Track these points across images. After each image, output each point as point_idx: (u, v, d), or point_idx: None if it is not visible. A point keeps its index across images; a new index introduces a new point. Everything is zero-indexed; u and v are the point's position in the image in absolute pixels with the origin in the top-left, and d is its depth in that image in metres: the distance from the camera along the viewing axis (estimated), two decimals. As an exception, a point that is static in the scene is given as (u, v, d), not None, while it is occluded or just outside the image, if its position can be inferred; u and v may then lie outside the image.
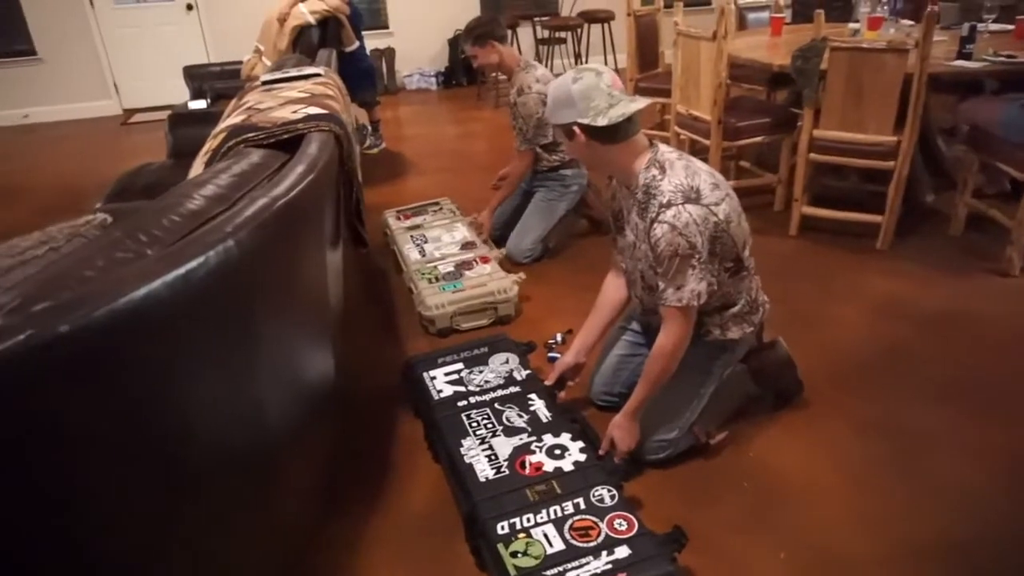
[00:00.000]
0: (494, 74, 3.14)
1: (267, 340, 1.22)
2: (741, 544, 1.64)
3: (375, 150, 4.87)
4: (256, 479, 1.28)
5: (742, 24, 4.50)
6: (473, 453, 1.75)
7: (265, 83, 2.10)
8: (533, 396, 1.98)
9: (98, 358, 0.86)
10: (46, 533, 0.86)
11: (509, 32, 6.30)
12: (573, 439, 1.81)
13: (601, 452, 1.77)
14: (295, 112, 1.66)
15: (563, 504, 1.59)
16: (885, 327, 2.48)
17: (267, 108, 1.73)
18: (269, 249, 1.17)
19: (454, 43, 6.86)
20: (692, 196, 1.60)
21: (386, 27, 6.74)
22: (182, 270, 0.96)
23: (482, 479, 1.67)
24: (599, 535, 1.50)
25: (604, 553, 1.46)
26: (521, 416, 1.90)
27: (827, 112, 2.92)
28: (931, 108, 3.53)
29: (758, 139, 3.34)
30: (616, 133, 1.63)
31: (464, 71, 6.94)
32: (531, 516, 1.56)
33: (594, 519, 1.55)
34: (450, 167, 4.57)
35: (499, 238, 3.16)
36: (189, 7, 6.26)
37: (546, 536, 1.51)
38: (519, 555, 1.47)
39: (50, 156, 5.40)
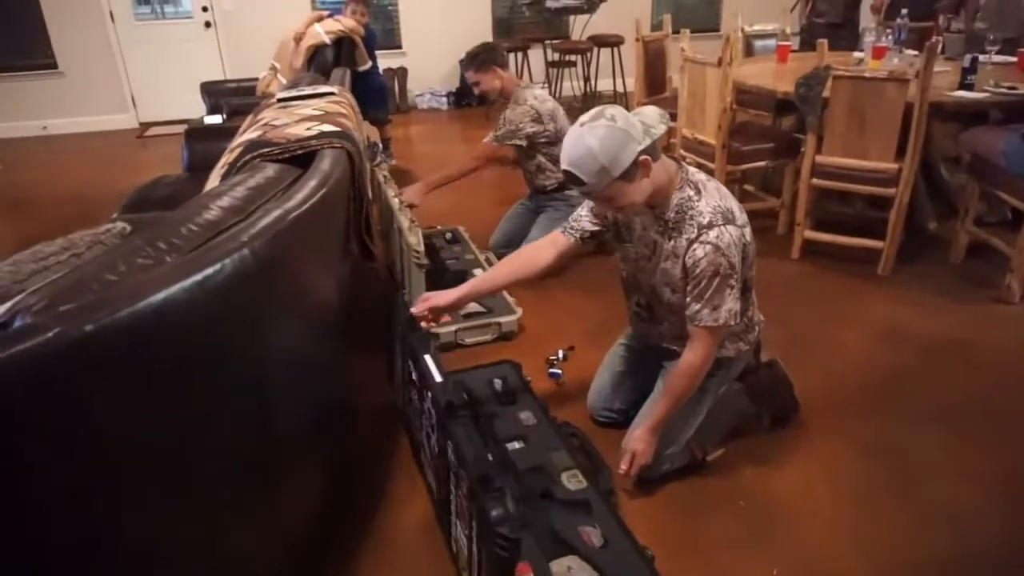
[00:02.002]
0: (495, 99, 3.19)
1: (278, 346, 1.27)
2: (735, 560, 1.66)
3: (385, 167, 4.94)
4: (262, 481, 1.32)
5: (749, 51, 4.58)
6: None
7: (281, 100, 2.17)
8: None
9: (120, 356, 0.91)
10: (65, 523, 0.91)
11: (520, 55, 6.44)
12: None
13: (622, 469, 1.79)
14: (309, 129, 1.73)
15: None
16: (885, 352, 2.51)
17: (282, 124, 1.80)
18: (282, 259, 1.22)
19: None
20: (730, 217, 1.64)
21: (399, 47, 6.87)
22: (199, 276, 1.02)
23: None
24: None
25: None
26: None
27: (830, 139, 2.97)
28: (935, 137, 3.59)
29: (762, 164, 3.39)
30: (657, 147, 1.61)
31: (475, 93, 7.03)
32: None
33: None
34: (459, 185, 4.61)
35: (504, 256, 3.21)
36: (207, 24, 6.41)
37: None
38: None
39: (68, 167, 5.51)
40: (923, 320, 2.70)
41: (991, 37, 3.70)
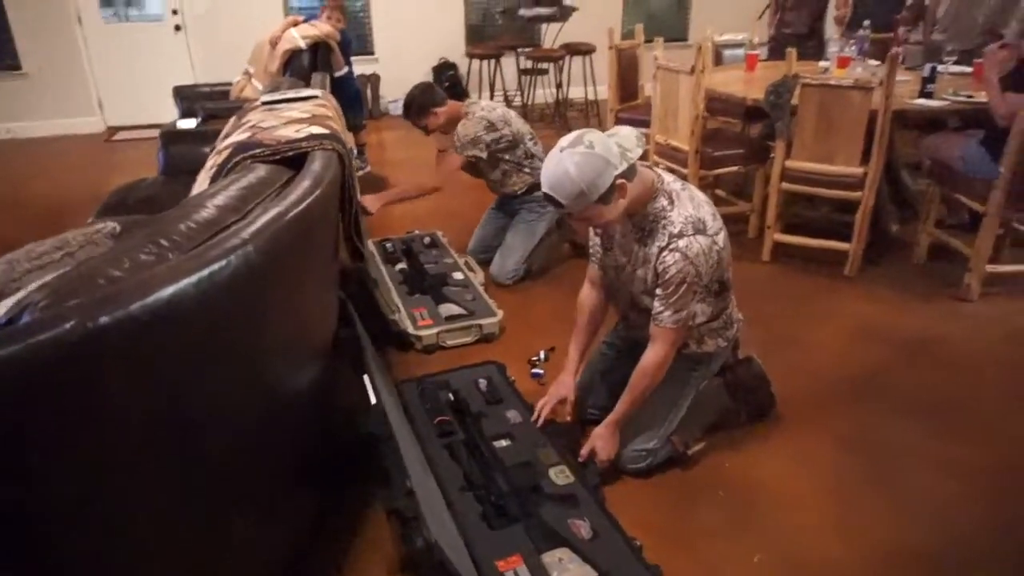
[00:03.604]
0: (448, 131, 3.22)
1: (278, 340, 1.29)
2: (719, 548, 1.72)
3: (360, 172, 4.95)
4: (264, 471, 1.34)
5: (718, 60, 4.69)
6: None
7: (266, 103, 2.18)
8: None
9: (132, 348, 0.93)
10: (77, 504, 0.92)
11: (492, 62, 6.50)
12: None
13: (581, 457, 1.85)
14: (298, 131, 1.75)
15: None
16: (856, 349, 2.60)
17: (270, 127, 1.81)
18: (282, 257, 1.24)
19: (439, 70, 7.01)
20: (700, 227, 1.71)
21: (372, 53, 6.87)
22: (206, 271, 1.03)
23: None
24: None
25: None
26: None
27: (798, 144, 3.08)
28: (896, 144, 3.72)
29: (733, 169, 3.49)
30: (633, 167, 1.68)
31: (449, 96, 7.06)
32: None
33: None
34: (433, 196, 4.65)
35: (484, 261, 3.26)
36: (177, 28, 6.34)
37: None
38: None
39: (33, 171, 5.40)
40: (891, 318, 2.81)
41: (948, 48, 3.87)
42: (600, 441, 1.87)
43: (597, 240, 1.99)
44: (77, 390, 0.88)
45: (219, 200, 1.35)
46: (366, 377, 1.62)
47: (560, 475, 1.84)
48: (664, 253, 1.71)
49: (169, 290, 0.97)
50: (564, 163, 1.62)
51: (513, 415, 2.10)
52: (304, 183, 1.42)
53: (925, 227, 3.24)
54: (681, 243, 1.69)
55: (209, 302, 1.04)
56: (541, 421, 2.02)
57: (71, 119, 6.39)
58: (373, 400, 1.54)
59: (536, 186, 3.17)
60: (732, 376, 2.07)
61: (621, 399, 1.85)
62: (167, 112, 4.82)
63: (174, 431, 1.06)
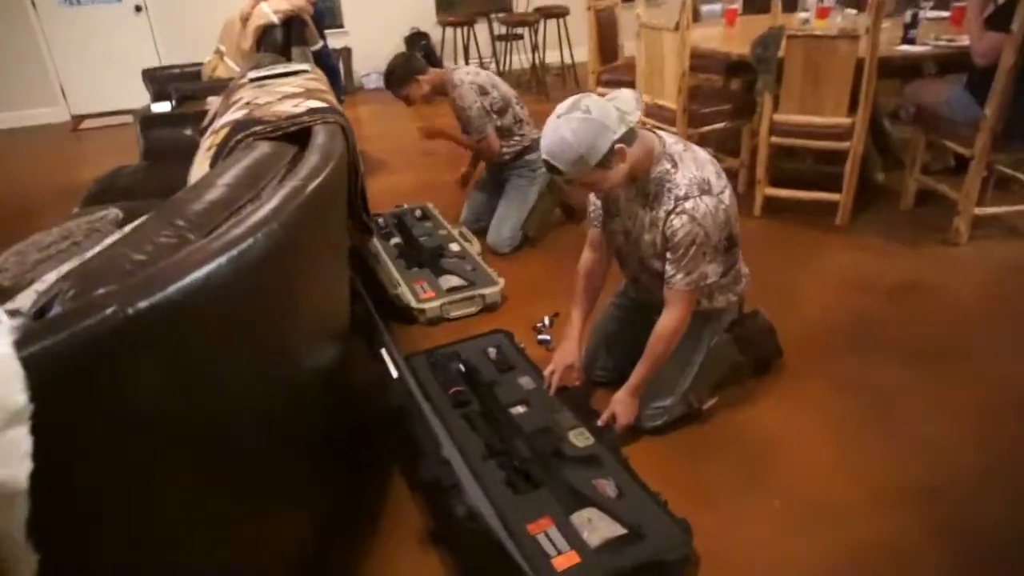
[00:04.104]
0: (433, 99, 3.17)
1: (304, 315, 1.27)
2: (738, 497, 1.75)
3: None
4: (288, 454, 1.33)
5: (696, 16, 4.65)
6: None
7: (254, 80, 2.12)
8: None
9: (170, 332, 0.91)
10: (117, 496, 0.90)
11: (465, 29, 6.39)
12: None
13: (600, 423, 1.87)
14: (296, 106, 1.71)
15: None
16: (850, 297, 2.64)
17: (266, 103, 1.77)
18: (303, 233, 1.22)
19: (411, 40, 6.88)
20: (705, 188, 1.71)
21: (341, 26, 6.72)
22: (236, 250, 1.01)
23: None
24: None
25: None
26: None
27: (786, 97, 3.08)
28: (877, 93, 3.74)
29: (720, 125, 3.49)
30: (633, 131, 1.67)
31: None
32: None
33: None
34: (416, 164, 4.61)
35: (478, 231, 3.24)
36: (138, 8, 6.13)
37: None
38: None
39: (-1, 166, 5.24)
40: (882, 265, 2.85)
41: (912, 16, 3.88)
42: (620, 407, 1.88)
43: (598, 203, 1.98)
44: (118, 378, 0.87)
45: (228, 179, 1.32)
46: (384, 351, 1.61)
47: (580, 438, 1.86)
48: (671, 217, 1.71)
49: (204, 271, 0.94)
50: (561, 130, 1.61)
51: (526, 381, 2.11)
52: (314, 158, 1.39)
53: (911, 174, 3.28)
54: (688, 205, 1.69)
55: (240, 282, 1.02)
56: (553, 390, 2.03)
57: (32, 110, 6.19)
58: (395, 374, 1.53)
59: (525, 150, 3.16)
60: (741, 330, 2.09)
61: (639, 365, 1.86)
62: (134, 97, 4.69)
63: (207, 415, 1.05)
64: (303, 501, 1.49)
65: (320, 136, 1.54)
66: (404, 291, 2.62)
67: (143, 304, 0.86)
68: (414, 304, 2.57)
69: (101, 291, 0.92)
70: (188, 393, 0.99)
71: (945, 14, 3.78)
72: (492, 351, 2.26)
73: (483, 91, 3.03)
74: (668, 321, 1.80)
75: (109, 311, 0.83)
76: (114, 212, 1.47)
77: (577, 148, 1.60)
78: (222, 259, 0.99)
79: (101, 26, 6.11)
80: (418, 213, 3.40)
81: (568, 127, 1.60)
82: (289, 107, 1.70)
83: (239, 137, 1.58)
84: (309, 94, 1.82)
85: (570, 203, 3.40)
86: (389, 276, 2.74)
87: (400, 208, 3.48)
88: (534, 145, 3.14)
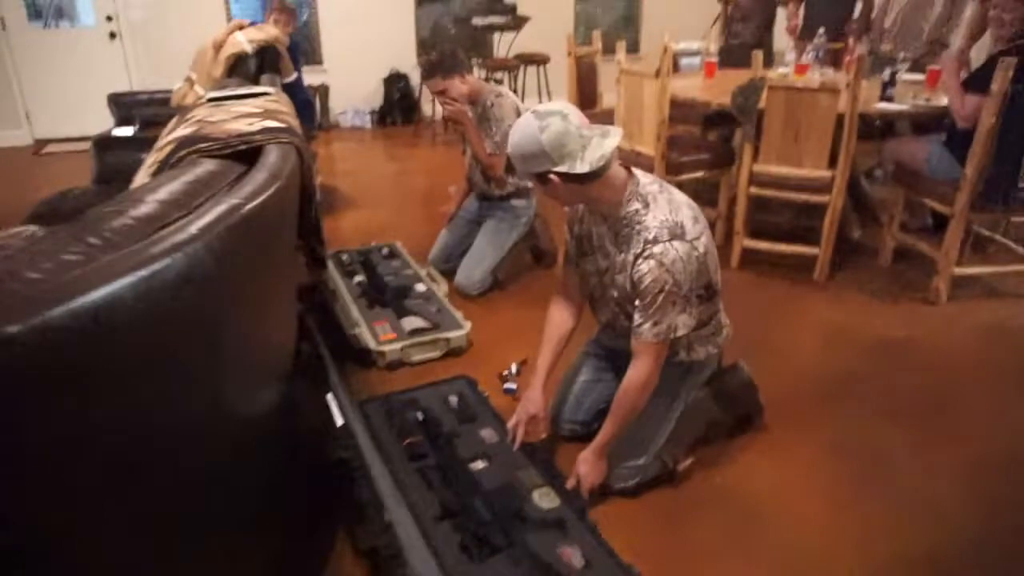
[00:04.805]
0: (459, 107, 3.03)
1: (235, 355, 1.11)
2: (720, 568, 1.60)
3: (311, 184, 4.73)
4: (218, 509, 1.15)
5: (675, 68, 4.67)
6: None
7: (212, 100, 1.99)
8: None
9: (54, 361, 0.75)
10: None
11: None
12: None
13: (568, 486, 1.72)
14: (251, 124, 1.57)
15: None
16: (833, 353, 2.54)
17: (219, 120, 1.63)
18: (238, 257, 1.07)
19: (389, 81, 6.85)
20: (677, 232, 1.59)
21: (320, 63, 6.67)
22: (146, 271, 0.86)
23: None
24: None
25: None
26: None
27: (766, 148, 3.03)
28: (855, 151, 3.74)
29: (699, 174, 3.43)
30: (593, 173, 1.56)
31: (400, 110, 6.92)
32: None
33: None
34: (388, 202, 4.51)
35: (446, 272, 3.10)
36: (112, 35, 6.02)
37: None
38: None
39: (-50, 187, 5.00)
40: (863, 322, 2.77)
41: (901, 55, 3.92)
42: (585, 467, 1.73)
43: (574, 243, 1.86)
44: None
45: (161, 195, 1.17)
46: (330, 396, 1.45)
47: (545, 498, 1.70)
48: (639, 261, 1.59)
49: (99, 293, 0.79)
50: (520, 124, 1.59)
51: (488, 434, 1.95)
52: (260, 175, 1.25)
53: (890, 231, 3.24)
54: (656, 249, 1.57)
55: (151, 308, 0.87)
56: (517, 444, 1.87)
57: (-7, 132, 5.98)
58: (340, 422, 1.36)
59: (516, 194, 3.05)
60: (719, 384, 1.97)
61: (606, 422, 1.72)
62: (102, 123, 4.50)
63: (114, 457, 0.88)
64: (239, 563, 1.30)
65: (271, 155, 1.40)
66: (363, 331, 2.46)
67: (13, 329, 0.70)
68: (373, 346, 2.40)
69: (-29, 312, 0.76)
70: (88, 435, 0.83)
71: (920, 76, 3.81)
72: (453, 399, 2.10)
73: (518, 114, 2.95)
74: (635, 374, 1.66)
75: (-35, 335, 0.67)
76: (31, 229, 1.31)
77: (515, 151, 1.60)
78: (128, 279, 0.84)
79: (73, 50, 5.96)
80: (385, 251, 3.26)
81: (523, 128, 1.57)
82: (243, 126, 1.57)
83: (182, 153, 1.44)
84: (267, 115, 1.70)
85: (541, 247, 3.29)
86: (347, 315, 2.58)
87: (367, 246, 3.34)
88: (525, 193, 3.06)
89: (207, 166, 1.35)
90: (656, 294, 1.58)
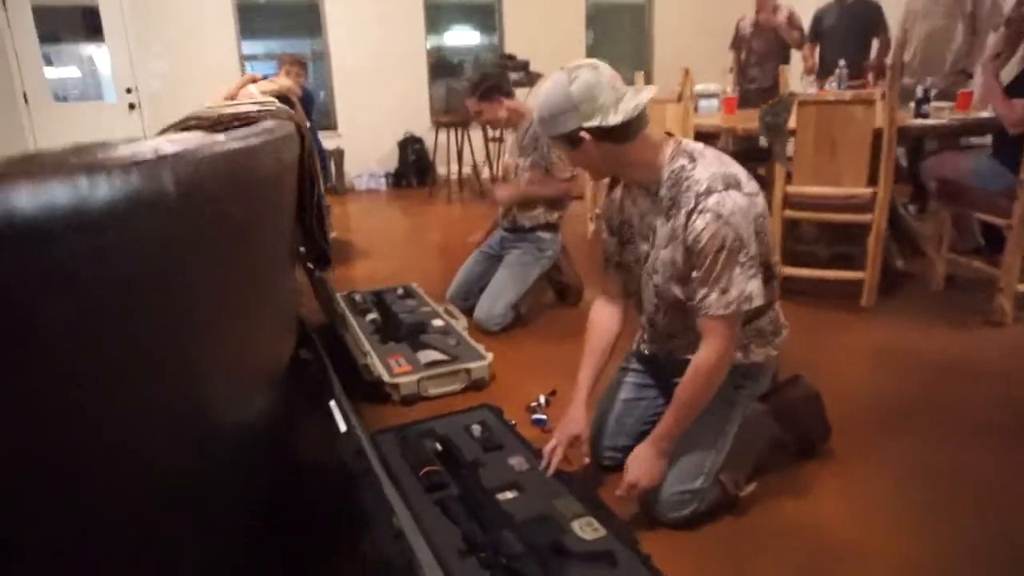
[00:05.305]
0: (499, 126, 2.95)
1: (211, 336, 0.91)
2: (801, 611, 1.32)
3: (325, 239, 4.63)
4: (187, 540, 0.92)
5: (694, 109, 4.59)
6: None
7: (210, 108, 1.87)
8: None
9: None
10: None
11: (459, 131, 6.37)
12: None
13: (619, 493, 1.47)
14: (247, 109, 1.43)
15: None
16: (888, 377, 2.29)
17: (213, 107, 1.49)
18: (217, 205, 0.89)
19: (404, 144, 6.88)
20: (732, 183, 1.40)
21: (335, 128, 6.72)
22: (84, 185, 0.68)
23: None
24: None
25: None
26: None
27: (799, 167, 2.87)
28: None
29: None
30: (629, 129, 1.42)
31: (415, 172, 6.91)
32: None
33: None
34: (402, 253, 4.38)
35: (464, 309, 2.91)
36: (132, 106, 6.11)
37: None
38: None
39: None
40: (921, 346, 2.51)
41: (927, 84, 3.81)
42: (639, 465, 1.48)
43: (614, 240, 1.68)
44: None
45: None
46: (333, 404, 1.23)
47: (587, 528, 1.44)
48: (693, 218, 1.40)
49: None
50: (549, 80, 1.47)
51: (518, 462, 1.70)
52: (251, 130, 1.09)
53: (939, 254, 3.02)
54: (711, 201, 1.37)
55: (90, 244, 0.68)
56: (552, 469, 1.62)
57: (12, 203, 6.00)
58: (343, 428, 1.15)
59: (544, 227, 2.88)
60: (778, 399, 1.72)
61: (666, 412, 1.48)
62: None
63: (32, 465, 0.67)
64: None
65: (267, 122, 1.25)
66: (374, 361, 2.25)
67: None
68: (386, 378, 2.18)
69: None
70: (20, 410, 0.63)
71: (948, 103, 3.68)
72: (476, 428, 1.87)
73: None
74: (704, 355, 1.43)
75: None
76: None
77: (543, 110, 1.47)
78: (59, 189, 0.66)
79: (93, 123, 6.04)
80: (400, 291, 3.08)
81: (551, 83, 1.45)
82: (240, 110, 1.42)
83: (163, 130, 1.28)
84: (270, 104, 1.56)
85: (566, 282, 3.10)
86: (357, 343, 2.37)
87: (381, 288, 3.16)
88: (552, 226, 2.92)
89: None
90: (717, 252, 1.37)
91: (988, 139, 3.07)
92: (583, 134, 1.43)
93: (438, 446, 1.76)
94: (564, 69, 1.44)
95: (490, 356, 2.34)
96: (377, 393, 2.21)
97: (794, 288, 3.04)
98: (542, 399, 2.17)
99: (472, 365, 2.28)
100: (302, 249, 1.67)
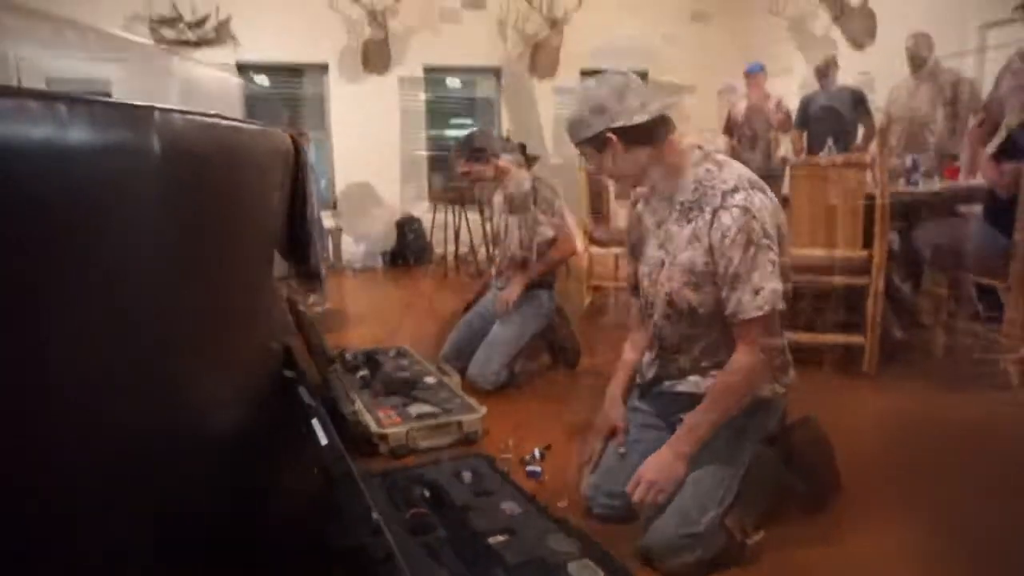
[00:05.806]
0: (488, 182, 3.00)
1: (183, 325, 0.86)
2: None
3: (319, 309, 4.60)
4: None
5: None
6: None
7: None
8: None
9: None
10: None
11: (456, 209, 6.46)
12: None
13: (635, 498, 1.41)
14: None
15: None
16: (901, 437, 2.22)
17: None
18: (200, 181, 0.86)
19: (401, 224, 6.95)
20: (758, 186, 1.44)
21: (334, 207, 6.81)
22: (70, 134, 0.65)
23: None
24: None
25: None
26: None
27: (795, 232, 2.87)
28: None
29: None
30: (655, 131, 1.47)
31: (412, 252, 6.95)
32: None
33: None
34: (396, 320, 4.34)
35: (459, 367, 2.84)
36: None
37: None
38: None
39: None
40: (928, 409, 2.44)
41: (912, 161, 3.90)
42: (656, 468, 1.43)
43: (636, 262, 1.70)
44: None
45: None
46: (315, 421, 1.16)
47: (584, 570, 1.33)
48: (720, 213, 1.40)
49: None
50: (579, 88, 1.55)
51: (510, 507, 1.60)
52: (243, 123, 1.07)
53: (938, 320, 2.99)
54: (738, 198, 1.40)
55: (62, 174, 0.64)
56: (592, 465, 1.64)
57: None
58: (324, 441, 1.07)
59: (541, 283, 2.85)
60: (787, 442, 1.64)
61: (695, 410, 1.45)
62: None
63: None
64: None
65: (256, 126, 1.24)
66: (361, 411, 2.16)
67: None
68: (375, 428, 2.09)
69: None
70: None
71: (936, 181, 3.76)
72: (467, 474, 1.78)
73: (556, 196, 2.90)
74: (738, 358, 1.42)
75: None
76: None
77: (573, 115, 1.51)
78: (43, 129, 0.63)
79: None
80: (392, 352, 3.02)
81: (581, 90, 1.51)
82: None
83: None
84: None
85: (562, 344, 3.04)
86: (346, 392, 2.29)
87: (373, 348, 3.10)
88: (547, 284, 2.90)
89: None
90: (745, 247, 1.37)
91: (978, 208, 3.11)
92: (610, 135, 1.46)
93: (426, 492, 1.66)
94: (594, 77, 1.50)
95: (483, 409, 2.26)
96: (365, 445, 2.11)
97: (793, 352, 2.99)
98: (537, 452, 2.08)
99: (464, 418, 2.19)
100: (291, 282, 1.64)
